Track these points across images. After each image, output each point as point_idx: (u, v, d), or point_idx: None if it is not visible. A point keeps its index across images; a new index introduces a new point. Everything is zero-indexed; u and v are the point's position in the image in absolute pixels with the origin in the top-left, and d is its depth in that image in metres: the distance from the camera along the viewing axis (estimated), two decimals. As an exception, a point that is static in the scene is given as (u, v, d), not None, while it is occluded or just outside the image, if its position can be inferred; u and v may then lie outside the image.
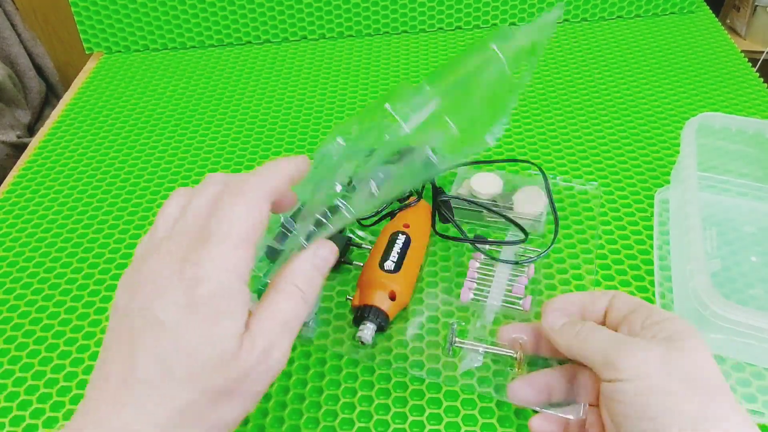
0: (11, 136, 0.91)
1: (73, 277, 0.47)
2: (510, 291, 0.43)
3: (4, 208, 0.54)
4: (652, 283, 0.44)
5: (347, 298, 0.43)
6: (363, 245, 0.47)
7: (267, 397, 0.38)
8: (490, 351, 0.38)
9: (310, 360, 0.40)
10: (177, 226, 0.27)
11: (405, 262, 0.42)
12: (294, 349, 0.41)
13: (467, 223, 0.50)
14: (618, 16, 0.77)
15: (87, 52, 0.77)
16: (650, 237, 0.48)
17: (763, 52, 1.17)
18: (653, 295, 0.43)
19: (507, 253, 0.46)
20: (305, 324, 0.39)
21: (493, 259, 0.45)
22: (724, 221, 0.48)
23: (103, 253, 0.49)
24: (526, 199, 0.49)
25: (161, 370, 0.23)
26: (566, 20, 0.77)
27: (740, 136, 0.47)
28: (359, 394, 0.38)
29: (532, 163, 0.52)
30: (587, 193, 0.52)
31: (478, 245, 0.46)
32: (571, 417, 0.33)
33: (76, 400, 0.39)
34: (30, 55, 1.03)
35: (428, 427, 0.36)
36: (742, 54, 0.69)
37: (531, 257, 0.45)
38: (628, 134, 0.58)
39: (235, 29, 0.75)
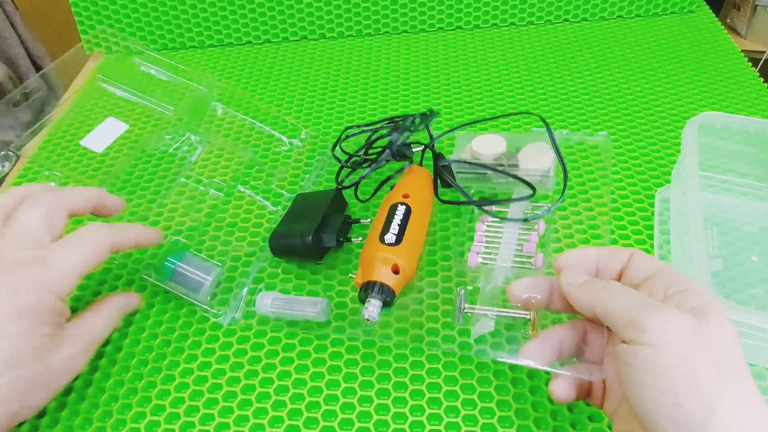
0: (11, 137, 0.91)
1: (73, 277, 0.47)
2: (520, 250, 0.40)
3: (4, 208, 0.54)
4: (652, 282, 0.44)
5: (350, 276, 0.41)
6: (362, 221, 0.46)
7: (266, 396, 0.38)
8: (503, 314, 0.36)
9: (310, 360, 0.40)
10: (8, 233, 0.35)
11: (407, 233, 0.41)
12: (293, 348, 0.41)
13: (473, 186, 0.47)
14: (618, 16, 0.77)
15: (87, 52, 0.77)
16: (651, 237, 0.48)
17: (763, 51, 1.17)
18: (654, 294, 0.43)
19: (515, 212, 0.43)
20: (314, 311, 0.41)
21: (501, 219, 0.43)
22: (725, 221, 0.48)
23: (103, 253, 0.49)
24: (532, 156, 0.46)
25: None
26: (566, 20, 0.77)
27: (741, 136, 0.47)
28: (359, 394, 0.38)
29: (535, 114, 0.48)
30: (597, 147, 0.49)
31: (484, 207, 0.44)
32: (594, 378, 0.31)
33: (76, 400, 0.39)
34: (30, 55, 1.03)
35: (428, 427, 0.36)
36: (743, 54, 0.69)
37: (540, 213, 0.42)
38: (628, 133, 0.58)
39: (235, 29, 0.75)
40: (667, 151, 0.56)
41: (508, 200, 0.44)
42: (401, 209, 0.43)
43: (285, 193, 0.52)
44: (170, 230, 0.50)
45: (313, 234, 0.43)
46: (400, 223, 0.42)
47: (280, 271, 0.46)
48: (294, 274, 0.46)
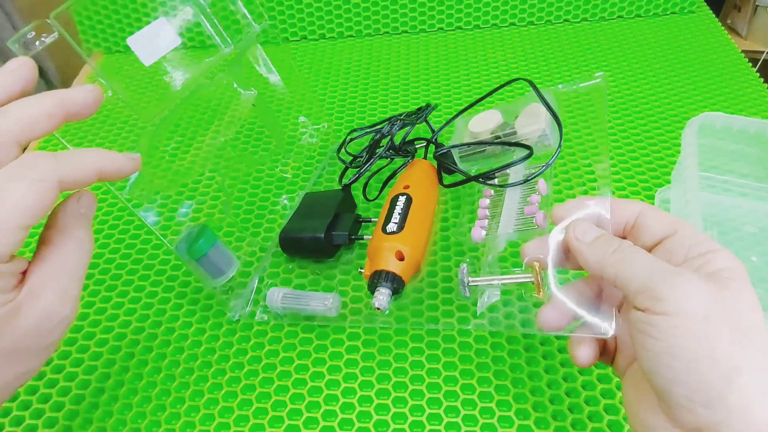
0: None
1: (73, 277, 0.47)
2: (522, 214, 0.39)
3: (4, 208, 0.54)
4: (652, 283, 0.44)
5: (359, 271, 0.42)
6: (372, 219, 0.47)
7: (266, 396, 0.38)
8: (506, 281, 0.35)
9: (310, 360, 0.40)
10: None
11: (408, 220, 0.42)
12: (293, 348, 0.41)
13: (481, 164, 0.47)
14: (618, 16, 0.77)
15: (87, 53, 0.77)
16: (651, 237, 0.47)
17: (763, 52, 1.17)
18: (654, 295, 0.43)
19: (515, 177, 0.42)
20: (325, 306, 0.40)
21: (500, 186, 0.42)
22: (725, 221, 0.48)
23: (102, 254, 0.49)
24: (527, 120, 0.45)
25: None
26: (566, 20, 0.77)
27: (741, 136, 0.47)
28: (359, 394, 0.38)
29: (522, 79, 0.47)
30: (590, 93, 0.46)
31: (482, 178, 0.43)
32: (606, 336, 0.30)
33: (76, 400, 0.39)
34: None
35: (428, 427, 0.36)
36: (743, 54, 0.69)
37: (536, 172, 0.41)
38: (628, 134, 0.58)
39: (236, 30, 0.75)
40: (667, 152, 0.56)
41: (503, 167, 0.42)
42: (401, 199, 0.43)
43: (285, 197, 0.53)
44: (202, 213, 0.52)
45: (325, 231, 0.44)
46: (401, 212, 0.42)
47: (291, 267, 0.47)
48: (307, 270, 0.46)
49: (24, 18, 1.04)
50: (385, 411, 0.37)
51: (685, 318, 0.25)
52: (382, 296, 0.38)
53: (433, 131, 0.51)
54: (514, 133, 0.44)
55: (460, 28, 0.77)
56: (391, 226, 0.41)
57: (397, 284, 0.39)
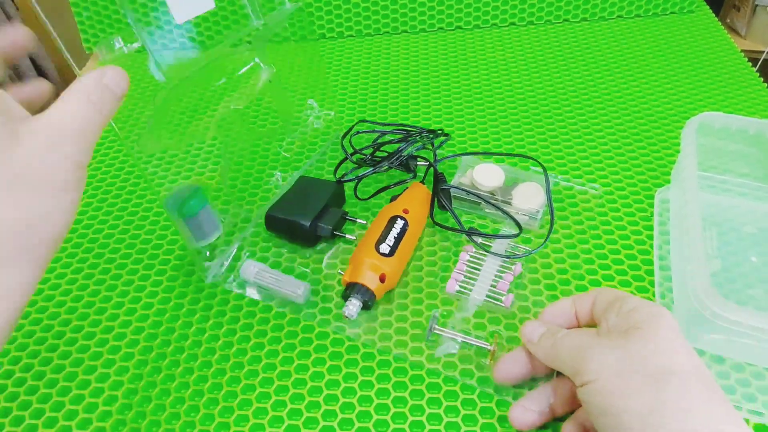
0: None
1: (73, 278, 0.47)
2: (495, 286, 0.43)
3: (5, 208, 0.54)
4: (652, 283, 0.44)
5: (339, 272, 0.45)
6: (358, 220, 0.49)
7: (266, 395, 0.38)
8: (467, 341, 0.40)
9: (310, 360, 0.40)
10: None
11: (400, 247, 0.44)
12: (293, 348, 0.41)
13: (466, 212, 0.50)
14: (618, 16, 0.77)
15: (87, 52, 0.77)
16: (650, 237, 0.48)
17: (763, 51, 1.17)
18: (653, 295, 0.43)
19: (498, 247, 0.46)
20: (296, 293, 0.43)
21: (484, 251, 0.46)
22: (724, 221, 0.48)
23: (103, 253, 0.49)
24: (526, 195, 0.49)
25: None
26: (566, 20, 0.77)
27: (740, 136, 0.47)
28: (359, 394, 0.38)
29: (536, 160, 0.52)
30: (587, 194, 0.52)
31: (472, 237, 0.47)
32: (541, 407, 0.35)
33: (76, 400, 0.39)
34: (30, 55, 1.03)
35: (428, 427, 0.36)
36: (742, 54, 0.69)
37: (520, 254, 0.46)
38: (628, 134, 0.58)
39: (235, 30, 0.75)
40: (666, 152, 0.56)
41: (494, 235, 0.47)
42: (400, 223, 0.45)
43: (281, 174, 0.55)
44: (193, 172, 0.54)
45: (312, 221, 0.46)
46: (396, 236, 0.44)
47: (270, 244, 0.49)
48: (284, 250, 0.48)
49: (25, 19, 1.04)
50: (385, 411, 0.37)
51: (601, 381, 0.29)
52: (354, 307, 0.41)
53: (435, 158, 0.52)
54: (510, 202, 0.49)
55: (460, 28, 0.77)
56: (384, 248, 0.43)
57: (369, 300, 0.41)
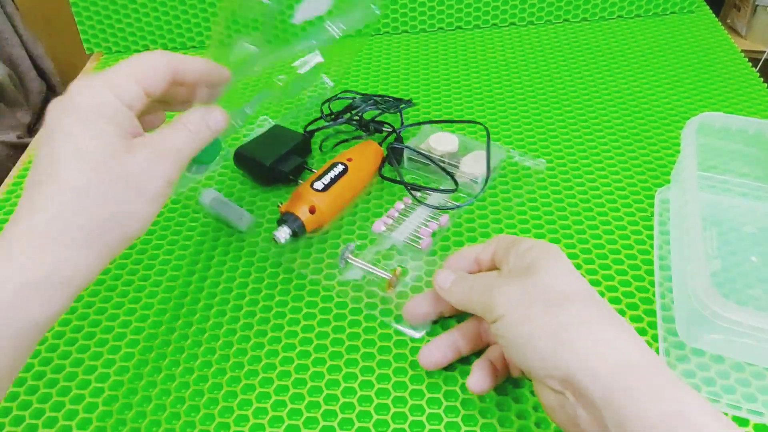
0: (12, 137, 0.91)
1: (73, 278, 0.47)
2: (418, 231, 0.48)
3: (5, 208, 0.54)
4: (652, 283, 0.44)
5: (278, 205, 0.49)
6: (313, 170, 0.54)
7: (266, 395, 0.38)
8: (371, 271, 0.45)
9: (310, 360, 0.40)
10: None
11: (334, 187, 0.48)
12: (293, 348, 0.41)
13: (420, 174, 0.55)
14: (618, 16, 0.77)
15: (87, 53, 0.77)
16: (650, 237, 0.48)
17: (763, 52, 1.17)
18: (653, 295, 0.43)
19: (433, 201, 0.51)
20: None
21: (417, 201, 0.50)
22: (725, 221, 0.48)
23: (103, 254, 0.49)
24: (472, 162, 0.52)
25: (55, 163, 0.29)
26: (566, 20, 0.77)
27: (740, 136, 0.47)
28: (359, 394, 0.38)
29: (480, 123, 0.56)
30: (529, 169, 0.54)
31: (411, 189, 0.51)
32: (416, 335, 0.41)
33: (76, 400, 0.39)
34: (30, 55, 1.03)
35: (428, 427, 0.36)
36: (743, 54, 0.69)
37: (448, 207, 0.50)
38: (628, 134, 0.58)
39: (235, 30, 0.75)
40: (666, 152, 0.56)
41: (431, 189, 0.52)
42: (339, 167, 0.50)
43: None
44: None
45: (271, 162, 0.52)
46: (332, 177, 0.49)
47: (233, 178, 0.55)
48: (247, 187, 0.55)
49: (25, 19, 1.04)
50: (385, 411, 0.37)
51: (510, 314, 0.32)
52: (283, 233, 0.46)
53: (402, 124, 0.58)
54: (457, 166, 0.52)
55: (460, 28, 0.77)
56: (318, 184, 0.48)
57: (299, 230, 0.46)
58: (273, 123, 0.60)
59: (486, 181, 0.51)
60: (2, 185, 0.58)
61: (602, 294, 0.44)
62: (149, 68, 0.32)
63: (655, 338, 0.41)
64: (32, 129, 1.00)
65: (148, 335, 0.43)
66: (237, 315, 0.44)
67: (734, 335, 0.35)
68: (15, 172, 0.59)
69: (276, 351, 0.41)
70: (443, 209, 0.50)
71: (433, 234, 0.48)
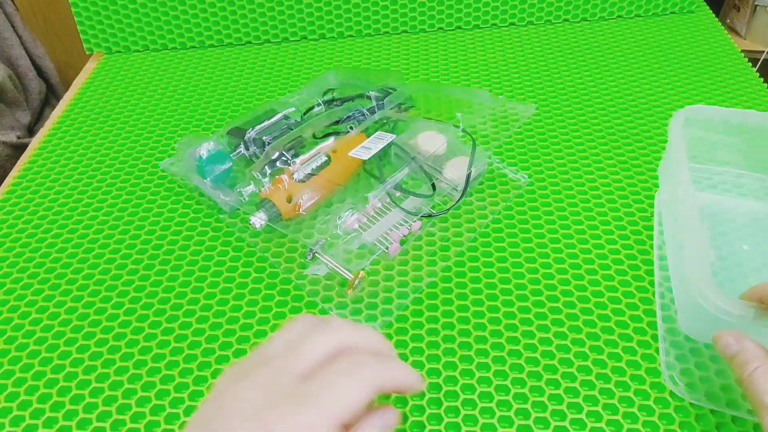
0: (11, 137, 0.91)
1: (74, 278, 0.47)
2: (388, 235, 0.47)
3: (5, 208, 0.54)
4: (652, 283, 0.44)
5: (259, 190, 0.49)
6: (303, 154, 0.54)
7: (267, 397, 0.38)
8: (336, 269, 0.45)
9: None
10: (279, 361, 0.28)
11: (315, 178, 0.49)
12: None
13: (400, 171, 0.52)
14: (618, 16, 0.77)
15: (87, 53, 0.77)
16: (650, 237, 0.48)
17: (763, 51, 1.17)
18: (653, 295, 0.43)
19: (409, 204, 0.50)
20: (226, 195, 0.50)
21: (393, 202, 0.50)
22: (717, 213, 0.48)
23: (103, 254, 0.49)
24: (455, 167, 0.51)
25: None
26: (566, 20, 0.77)
27: (723, 126, 0.46)
28: (359, 394, 0.38)
29: (468, 133, 0.54)
30: (509, 183, 0.53)
31: (387, 187, 0.50)
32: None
33: (76, 400, 0.39)
34: (30, 56, 1.03)
35: (428, 428, 0.36)
36: (742, 54, 0.69)
37: (422, 213, 0.49)
38: (628, 134, 0.58)
39: (235, 29, 0.75)
40: (666, 151, 0.56)
41: (408, 192, 0.51)
42: (322, 159, 0.50)
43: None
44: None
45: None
46: (314, 168, 0.49)
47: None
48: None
49: (24, 19, 1.04)
50: (385, 411, 0.37)
51: None
52: (258, 219, 0.46)
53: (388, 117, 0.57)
54: (440, 171, 0.51)
55: (460, 28, 0.77)
56: (299, 175, 0.49)
57: (273, 216, 0.47)
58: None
59: (463, 194, 0.50)
60: (2, 186, 0.58)
61: (602, 294, 0.44)
62: (361, 398, 0.27)
63: (655, 338, 0.41)
64: (32, 129, 0.99)
65: (148, 334, 0.43)
66: (236, 315, 0.44)
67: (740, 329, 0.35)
68: (15, 172, 0.59)
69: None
70: (417, 215, 0.49)
71: (403, 241, 0.47)
